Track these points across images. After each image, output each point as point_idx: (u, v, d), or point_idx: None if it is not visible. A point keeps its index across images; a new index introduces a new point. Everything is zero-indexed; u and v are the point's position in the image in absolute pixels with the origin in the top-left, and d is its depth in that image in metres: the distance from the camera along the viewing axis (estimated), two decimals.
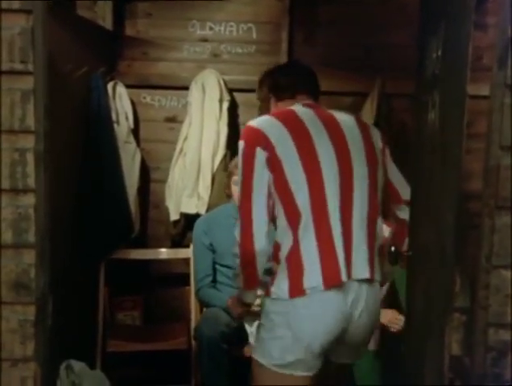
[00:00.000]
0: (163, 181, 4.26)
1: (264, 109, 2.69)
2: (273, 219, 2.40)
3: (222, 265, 3.66)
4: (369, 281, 2.36)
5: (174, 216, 4.20)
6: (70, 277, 3.28)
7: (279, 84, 2.63)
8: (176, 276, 4.25)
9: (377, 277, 2.42)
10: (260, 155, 2.35)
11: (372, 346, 3.79)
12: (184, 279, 4.06)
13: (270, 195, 2.36)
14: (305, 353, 2.32)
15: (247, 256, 2.38)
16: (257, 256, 2.36)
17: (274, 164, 2.34)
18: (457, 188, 1.92)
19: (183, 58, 4.31)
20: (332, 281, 2.29)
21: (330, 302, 2.30)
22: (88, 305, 3.88)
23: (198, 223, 3.80)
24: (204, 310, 3.82)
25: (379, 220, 2.45)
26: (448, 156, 2.05)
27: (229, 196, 3.73)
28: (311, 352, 2.33)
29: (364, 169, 2.42)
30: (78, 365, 2.87)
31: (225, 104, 4.16)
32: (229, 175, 3.68)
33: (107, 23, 4.12)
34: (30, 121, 1.89)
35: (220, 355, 3.40)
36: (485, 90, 1.85)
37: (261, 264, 2.39)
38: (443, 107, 2.15)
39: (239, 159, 2.42)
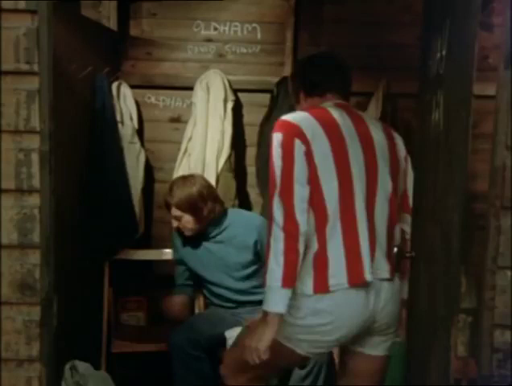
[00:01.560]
0: (168, 181, 4.24)
1: (295, 99, 2.73)
2: None
3: (205, 281, 3.74)
4: (389, 279, 2.45)
5: None
6: (75, 278, 3.29)
7: (310, 80, 2.64)
8: None
9: (394, 274, 2.50)
10: (299, 147, 2.35)
11: None
12: None
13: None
14: (322, 343, 2.44)
15: (291, 240, 2.29)
16: (301, 238, 2.30)
17: (309, 158, 2.35)
18: (462, 189, 1.92)
19: (187, 58, 4.31)
20: (357, 280, 2.36)
21: (353, 299, 2.38)
22: (92, 306, 3.89)
23: (173, 235, 3.87)
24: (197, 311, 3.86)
25: (403, 219, 2.58)
26: (452, 156, 2.05)
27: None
28: (330, 343, 2.47)
29: (387, 174, 2.48)
30: (83, 366, 2.88)
31: (230, 105, 4.15)
32: (168, 207, 3.70)
33: (112, 23, 4.12)
34: (36, 122, 1.90)
35: (192, 363, 3.43)
36: (491, 90, 1.85)
37: (301, 251, 2.32)
38: (448, 107, 2.15)
39: (274, 151, 2.36)
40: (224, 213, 3.70)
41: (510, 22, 1.84)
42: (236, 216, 3.75)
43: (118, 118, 3.96)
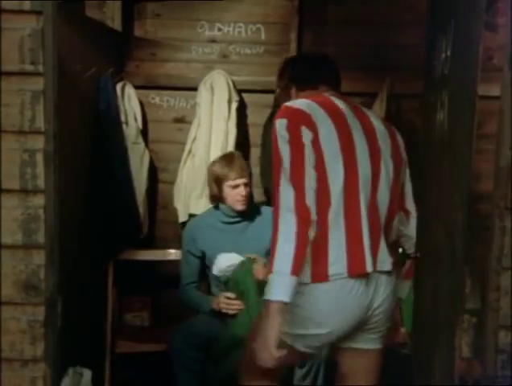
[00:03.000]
0: (172, 182, 4.26)
1: (283, 99, 2.65)
2: None
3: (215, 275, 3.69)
4: (389, 273, 2.40)
5: (182, 218, 4.20)
6: (79, 278, 3.29)
7: (302, 73, 2.64)
8: None
9: (394, 269, 2.44)
10: (306, 135, 2.30)
11: None
12: None
13: None
14: (319, 336, 2.35)
15: (303, 224, 2.23)
16: (311, 225, 2.26)
17: (316, 145, 2.30)
18: (466, 189, 1.92)
19: (191, 59, 4.31)
20: (358, 270, 2.30)
21: (352, 290, 2.31)
22: (96, 306, 3.89)
23: (187, 229, 3.83)
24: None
25: (396, 218, 2.48)
26: (456, 157, 2.05)
27: (217, 200, 3.73)
28: (327, 336, 2.36)
29: (390, 165, 2.45)
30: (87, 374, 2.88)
31: (234, 105, 4.15)
32: (222, 179, 3.66)
33: (116, 24, 4.13)
34: (40, 122, 1.90)
35: (192, 365, 3.44)
36: (495, 90, 1.85)
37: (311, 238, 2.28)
38: (453, 107, 2.15)
39: (279, 136, 2.30)
40: None
41: None
42: (255, 208, 3.77)
43: (123, 119, 3.97)
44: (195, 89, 4.20)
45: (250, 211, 3.70)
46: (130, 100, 4.08)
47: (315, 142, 2.30)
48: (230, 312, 3.49)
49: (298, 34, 4.22)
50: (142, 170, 4.15)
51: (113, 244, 3.91)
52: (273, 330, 2.22)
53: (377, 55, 4.22)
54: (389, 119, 4.04)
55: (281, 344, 2.29)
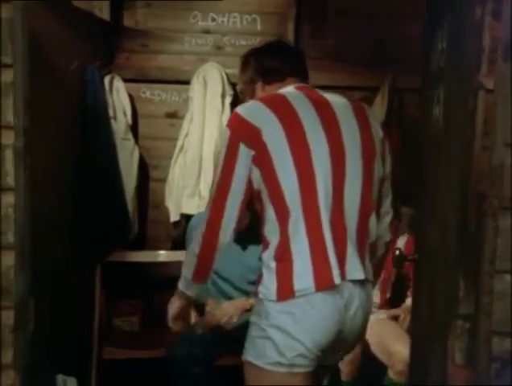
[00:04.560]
0: (163, 180, 4.26)
1: (247, 93, 2.62)
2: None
3: (220, 277, 3.66)
4: (362, 281, 2.30)
5: (174, 217, 4.20)
6: (64, 281, 3.28)
7: (268, 66, 2.56)
8: (177, 279, 4.22)
9: (369, 276, 2.35)
10: (243, 152, 2.29)
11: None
12: None
13: (248, 192, 2.32)
14: (299, 354, 2.26)
15: (208, 248, 2.36)
16: (219, 250, 2.35)
17: (262, 158, 2.28)
18: (459, 187, 1.90)
19: (184, 50, 4.31)
20: (325, 283, 2.22)
21: (322, 304, 2.24)
22: (83, 310, 3.88)
23: (191, 226, 3.76)
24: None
25: (373, 216, 2.37)
26: (451, 154, 2.03)
27: None
28: (306, 353, 2.27)
29: (358, 159, 2.35)
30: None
31: (228, 99, 4.15)
32: None
33: (104, 14, 4.12)
34: (10, 117, 1.88)
35: (192, 378, 3.40)
36: None
37: (218, 258, 2.38)
38: (447, 102, 2.13)
39: (222, 147, 2.35)
40: None
41: (510, 12, 1.82)
42: None
43: (111, 113, 3.97)
44: (187, 83, 4.20)
45: None
46: (118, 94, 4.08)
47: (261, 154, 2.28)
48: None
49: (295, 25, 4.21)
50: (132, 168, 4.15)
51: (101, 244, 3.89)
52: (175, 305, 2.61)
53: (378, 48, 4.21)
54: (391, 114, 4.02)
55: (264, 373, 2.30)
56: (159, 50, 4.30)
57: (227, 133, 2.35)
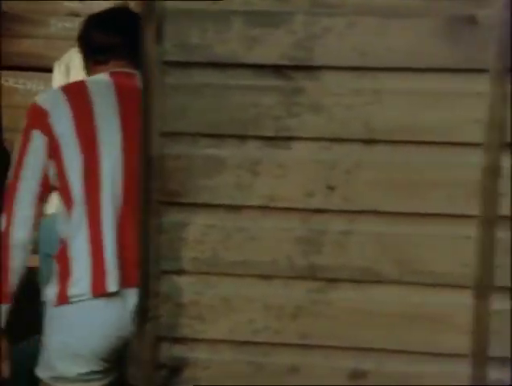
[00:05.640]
0: None
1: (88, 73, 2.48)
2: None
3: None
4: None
5: None
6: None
7: (94, 43, 2.42)
8: None
9: None
10: (36, 140, 2.23)
11: None
12: None
13: (47, 185, 2.24)
14: (84, 364, 2.20)
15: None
16: (11, 251, 2.19)
17: (53, 149, 2.22)
18: None
19: (50, 34, 4.22)
20: (100, 289, 2.16)
21: (100, 311, 2.17)
22: None
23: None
24: None
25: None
26: None
27: None
28: (90, 363, 2.20)
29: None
30: None
31: None
32: None
33: None
34: None
35: None
36: None
37: (17, 261, 2.21)
38: None
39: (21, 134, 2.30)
40: None
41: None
42: None
43: None
44: None
45: None
46: None
47: (53, 145, 2.21)
48: None
49: None
50: None
51: None
52: None
53: None
54: None
55: None
56: (24, 34, 4.23)
57: (24, 122, 2.30)
